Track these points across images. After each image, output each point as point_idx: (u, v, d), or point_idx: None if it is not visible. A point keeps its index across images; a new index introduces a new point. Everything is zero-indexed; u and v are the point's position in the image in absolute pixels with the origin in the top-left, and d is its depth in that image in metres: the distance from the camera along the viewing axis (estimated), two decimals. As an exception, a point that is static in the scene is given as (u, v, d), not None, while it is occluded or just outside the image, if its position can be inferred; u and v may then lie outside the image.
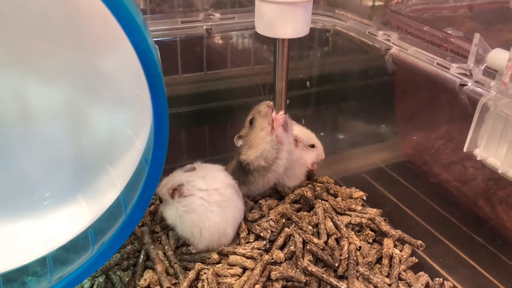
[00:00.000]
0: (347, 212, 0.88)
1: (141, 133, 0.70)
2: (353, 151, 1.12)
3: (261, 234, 0.82)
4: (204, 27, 1.02)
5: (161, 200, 0.78)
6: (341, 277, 0.76)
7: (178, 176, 0.78)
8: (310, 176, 0.99)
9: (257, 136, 0.84)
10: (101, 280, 0.74)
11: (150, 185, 0.64)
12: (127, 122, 0.73)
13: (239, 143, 0.86)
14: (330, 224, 0.84)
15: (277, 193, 0.94)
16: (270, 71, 0.94)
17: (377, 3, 1.07)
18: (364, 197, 0.93)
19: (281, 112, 0.85)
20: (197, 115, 1.09)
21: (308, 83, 1.14)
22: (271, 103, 0.85)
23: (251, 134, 0.85)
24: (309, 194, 0.89)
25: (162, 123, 0.60)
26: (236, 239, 0.82)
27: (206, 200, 0.76)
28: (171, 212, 0.77)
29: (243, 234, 0.81)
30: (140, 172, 0.67)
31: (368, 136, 1.08)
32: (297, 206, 0.90)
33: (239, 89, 1.08)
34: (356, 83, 1.09)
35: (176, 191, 0.76)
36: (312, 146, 0.95)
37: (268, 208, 0.89)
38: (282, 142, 0.85)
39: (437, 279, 0.77)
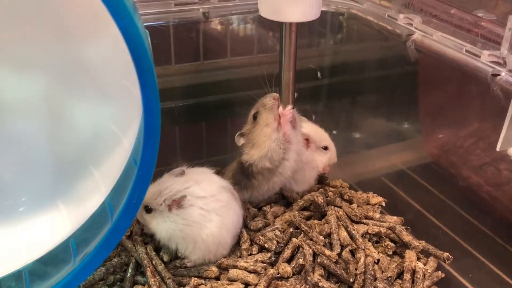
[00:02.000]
0: (364, 221, 0.88)
1: (129, 130, 0.71)
2: (370, 152, 1.12)
3: (266, 245, 0.82)
4: (201, 10, 1.02)
5: (148, 209, 0.78)
6: (357, 294, 0.76)
7: (170, 182, 0.78)
8: (322, 180, 0.99)
9: (262, 133, 0.84)
10: (83, 297, 0.74)
11: (140, 189, 0.64)
12: (113, 118, 0.73)
13: (240, 141, 0.86)
14: (344, 234, 0.84)
15: (284, 198, 0.94)
16: (276, 60, 0.95)
17: (397, -18, 1.07)
18: (383, 203, 0.93)
19: (289, 107, 0.85)
20: (192, 110, 1.09)
21: (319, 74, 1.14)
22: (278, 95, 0.85)
23: (255, 131, 0.85)
24: (320, 200, 0.89)
25: (153, 118, 0.60)
26: (237, 250, 0.82)
27: (205, 210, 0.77)
28: (167, 226, 0.77)
29: (245, 245, 0.82)
30: (128, 175, 0.68)
31: (387, 134, 1.08)
32: (306, 213, 0.90)
33: (241, 81, 1.08)
34: (374, 74, 1.09)
35: (174, 202, 0.76)
36: (325, 148, 0.95)
37: (274, 215, 0.89)
38: (290, 141, 0.85)
39: (467, 296, 0.77)
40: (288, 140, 0.85)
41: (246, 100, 0.89)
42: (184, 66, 1.06)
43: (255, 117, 0.85)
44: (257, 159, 0.85)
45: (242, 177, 0.87)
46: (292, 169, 0.87)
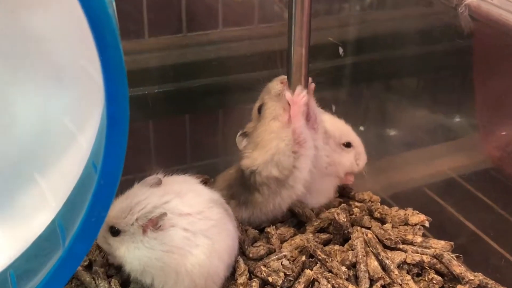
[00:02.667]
0: (401, 246, 0.88)
1: (87, 126, 0.71)
2: (409, 154, 1.12)
3: (270, 279, 0.81)
4: (183, -36, 1.03)
5: (114, 232, 0.78)
6: None
7: (144, 196, 0.78)
8: (345, 191, 0.99)
9: (267, 128, 0.85)
10: None
11: (101, 204, 0.63)
12: (66, 109, 0.73)
13: (243, 143, 0.87)
14: (374, 264, 0.84)
15: (294, 216, 0.94)
16: (283, 32, 0.92)
17: None
18: (427, 223, 0.93)
19: (302, 92, 0.85)
20: (172, 99, 1.09)
21: (341, 51, 1.14)
22: (286, 78, 0.85)
23: (259, 127, 0.85)
24: (342, 218, 0.88)
25: (119, 109, 0.60)
26: (232, 285, 0.82)
27: (190, 231, 0.77)
28: (140, 253, 0.77)
29: (241, 279, 0.81)
30: (86, 184, 0.67)
31: (431, 131, 1.08)
32: (324, 236, 0.90)
33: (236, 60, 1.08)
34: (414, 51, 1.09)
35: (150, 222, 0.76)
36: (348, 145, 0.94)
37: (280, 239, 0.89)
38: (303, 142, 0.85)
39: None
40: (300, 141, 0.85)
41: (243, 85, 0.91)
42: (161, 39, 1.05)
43: (260, 110, 0.86)
44: (261, 165, 0.85)
45: (241, 190, 0.88)
46: (304, 182, 0.87)
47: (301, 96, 0.84)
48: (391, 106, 1.16)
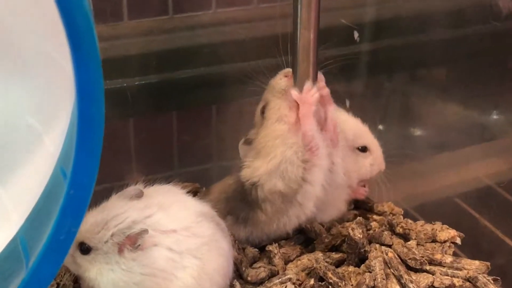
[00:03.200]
0: (427, 267, 0.88)
1: (55, 125, 0.71)
2: (437, 158, 1.11)
3: (272, 307, 0.82)
4: None
5: (85, 249, 0.78)
6: None
7: (121, 209, 0.78)
8: (360, 203, 1.00)
9: (271, 132, 0.85)
10: None
11: (72, 217, 0.63)
12: (27, 104, 0.73)
13: (245, 152, 0.88)
14: (396, 288, 0.84)
15: (301, 233, 0.94)
16: (288, 13, 0.92)
17: None
18: (458, 240, 0.93)
19: (313, 88, 0.85)
20: (156, 93, 1.09)
21: (356, 35, 1.14)
22: (289, 69, 0.85)
23: (261, 131, 0.86)
24: (357, 234, 0.89)
25: (93, 105, 0.59)
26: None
27: (175, 251, 0.77)
28: (116, 277, 0.77)
29: (238, 307, 0.82)
30: (53, 194, 0.67)
31: (464, 130, 1.08)
32: (336, 256, 0.91)
33: (232, 46, 1.08)
34: (442, 35, 1.09)
35: (128, 240, 0.76)
36: (364, 149, 0.95)
37: (284, 259, 0.89)
38: (315, 149, 0.85)
39: None
40: (311, 147, 0.85)
41: (240, 77, 0.91)
42: (143, 22, 1.06)
43: (263, 111, 0.87)
44: (263, 176, 0.85)
45: (241, 206, 0.88)
46: (315, 200, 0.88)
47: (310, 94, 0.84)
48: (416, 100, 1.16)
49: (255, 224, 0.89)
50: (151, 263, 0.76)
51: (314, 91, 0.84)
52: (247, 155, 0.88)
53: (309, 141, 0.84)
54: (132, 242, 0.76)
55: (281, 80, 0.86)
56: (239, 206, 0.88)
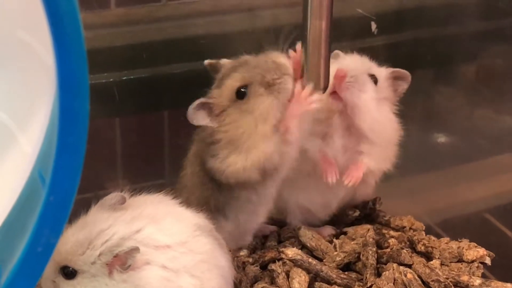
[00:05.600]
0: None
1: (32, 123, 0.70)
2: (464, 168, 1.12)
3: (278, 334, 0.82)
4: None
5: (69, 273, 0.76)
6: None
7: (106, 222, 0.77)
8: (374, 215, 1.01)
9: (255, 131, 0.86)
10: None
11: (50, 227, 0.62)
12: (2, 100, 0.72)
13: (203, 119, 0.88)
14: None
15: (304, 248, 0.96)
16: (297, 0, 0.92)
17: None
18: (488, 260, 0.92)
19: (315, 94, 0.87)
20: (146, 89, 1.09)
21: (373, 26, 1.14)
22: (289, 66, 0.86)
23: (241, 124, 0.87)
24: (370, 256, 0.89)
25: (76, 102, 0.58)
26: None
27: (170, 269, 0.76)
28: None
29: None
30: (30, 201, 0.66)
31: (495, 137, 1.08)
32: (353, 276, 0.91)
33: (232, 38, 1.09)
34: (472, 28, 1.09)
35: (117, 260, 0.75)
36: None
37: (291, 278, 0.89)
38: (292, 139, 0.88)
39: None
40: (289, 139, 0.88)
41: None
42: (132, 10, 1.06)
43: (241, 93, 0.87)
44: (240, 170, 0.87)
45: (217, 193, 0.91)
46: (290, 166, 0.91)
47: (310, 99, 0.86)
48: (441, 102, 1.16)
49: (236, 205, 0.93)
50: (144, 284, 0.76)
51: (315, 99, 0.87)
52: (215, 146, 0.89)
53: (290, 134, 0.88)
54: (122, 262, 0.75)
55: (275, 76, 0.86)
56: (216, 195, 0.92)
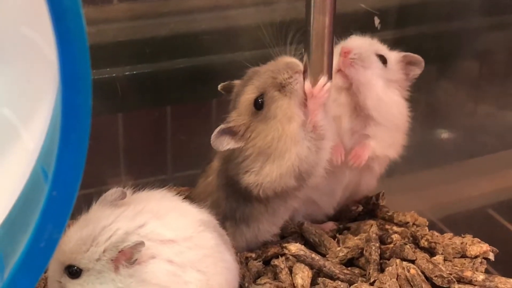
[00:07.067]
0: (456, 286, 0.88)
1: (35, 118, 0.70)
2: (467, 164, 1.12)
3: (280, 328, 0.82)
4: None
5: (74, 272, 0.77)
6: None
7: (109, 218, 0.78)
8: (378, 211, 1.02)
9: (283, 133, 0.86)
10: None
11: (53, 222, 0.63)
12: (4, 93, 0.72)
13: (227, 143, 0.88)
14: (419, 310, 0.84)
15: (311, 248, 0.95)
16: None
17: None
18: (491, 255, 0.93)
19: (326, 84, 0.87)
20: (149, 85, 1.09)
21: (377, 21, 1.14)
22: (299, 63, 0.87)
23: (268, 132, 0.87)
24: (373, 249, 0.90)
25: (79, 97, 0.59)
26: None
27: (176, 263, 0.77)
28: None
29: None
30: (32, 196, 0.67)
31: (499, 133, 1.08)
32: (356, 271, 0.92)
33: (235, 33, 1.09)
34: (477, 23, 1.09)
35: (123, 255, 0.75)
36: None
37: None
38: (324, 133, 0.89)
39: None
40: (320, 133, 0.88)
41: (244, 67, 0.91)
42: (135, 5, 1.06)
43: (258, 103, 0.87)
44: (278, 179, 0.87)
45: (236, 205, 0.91)
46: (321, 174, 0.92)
47: (323, 90, 0.87)
48: (445, 98, 1.16)
49: (256, 218, 0.92)
50: (150, 278, 0.76)
51: (328, 87, 0.87)
52: (246, 160, 0.89)
53: (319, 128, 0.88)
54: (127, 257, 0.75)
55: (290, 78, 0.87)
56: (232, 205, 0.91)
